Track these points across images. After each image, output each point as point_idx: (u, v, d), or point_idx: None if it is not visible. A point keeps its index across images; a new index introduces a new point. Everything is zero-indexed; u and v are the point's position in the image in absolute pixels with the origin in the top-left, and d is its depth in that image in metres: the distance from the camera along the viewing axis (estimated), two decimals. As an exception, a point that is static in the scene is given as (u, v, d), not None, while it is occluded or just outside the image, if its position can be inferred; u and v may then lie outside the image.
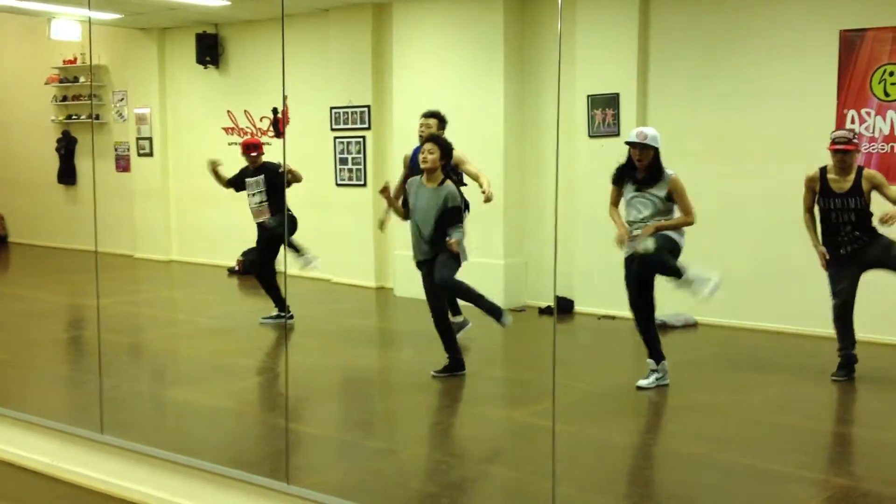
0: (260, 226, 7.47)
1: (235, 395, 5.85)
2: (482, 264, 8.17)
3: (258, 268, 7.57)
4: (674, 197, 5.44)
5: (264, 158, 7.59)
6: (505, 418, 5.29)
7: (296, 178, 7.13)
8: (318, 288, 9.36)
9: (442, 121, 6.70)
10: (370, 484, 4.19)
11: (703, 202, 7.57)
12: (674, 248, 5.44)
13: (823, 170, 5.71)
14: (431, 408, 5.43)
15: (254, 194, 7.44)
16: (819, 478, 4.23)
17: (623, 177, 5.55)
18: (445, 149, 5.75)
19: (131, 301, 8.81)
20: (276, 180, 7.32)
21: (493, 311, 5.91)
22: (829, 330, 6.60)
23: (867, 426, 5.20)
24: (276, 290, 7.48)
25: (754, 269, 7.35)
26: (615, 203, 5.69)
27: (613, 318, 7.68)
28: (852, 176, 5.58)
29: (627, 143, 5.50)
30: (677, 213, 5.50)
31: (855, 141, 5.63)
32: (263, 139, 10.61)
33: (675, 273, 5.40)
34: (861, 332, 5.87)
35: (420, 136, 6.52)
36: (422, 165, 5.75)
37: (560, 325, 7.77)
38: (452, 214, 5.68)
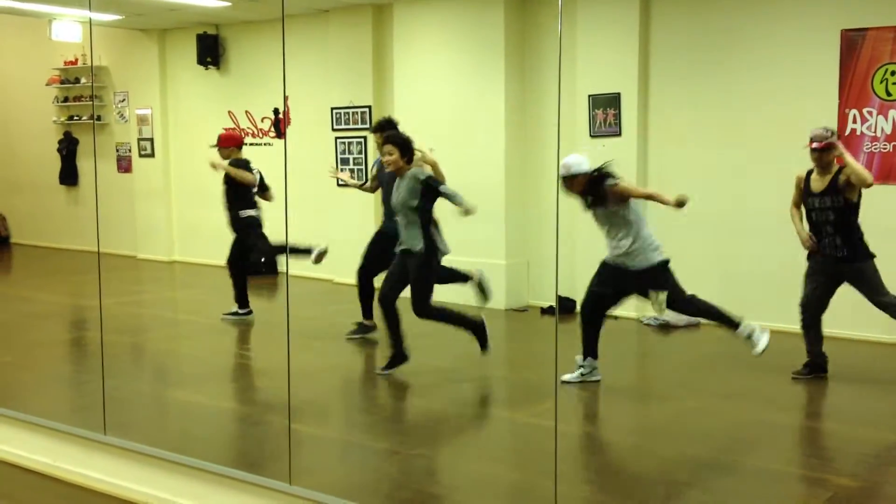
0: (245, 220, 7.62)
1: (237, 396, 5.85)
2: (484, 264, 8.16)
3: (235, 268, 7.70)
4: (622, 199, 5.46)
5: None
6: (507, 419, 5.29)
7: (266, 197, 7.61)
8: (320, 288, 9.36)
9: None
10: (372, 484, 4.20)
11: (704, 201, 7.59)
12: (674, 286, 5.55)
13: (811, 170, 5.73)
14: (434, 408, 5.43)
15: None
16: (821, 477, 4.23)
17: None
18: (404, 145, 5.77)
19: (134, 301, 8.82)
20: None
21: (478, 333, 6.00)
22: (832, 329, 6.60)
23: (869, 426, 5.20)
24: (245, 284, 7.68)
25: (756, 268, 7.35)
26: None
27: (616, 318, 7.67)
28: (830, 175, 5.59)
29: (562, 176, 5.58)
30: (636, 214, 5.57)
31: (832, 139, 5.58)
32: (265, 140, 10.64)
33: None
34: (862, 331, 5.86)
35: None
36: (387, 169, 5.85)
37: (562, 326, 7.76)
38: (428, 185, 5.65)
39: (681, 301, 5.52)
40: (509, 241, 8.46)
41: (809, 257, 5.81)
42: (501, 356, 6.97)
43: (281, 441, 4.56)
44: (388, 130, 6.43)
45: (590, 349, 5.75)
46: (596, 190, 5.48)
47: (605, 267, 5.65)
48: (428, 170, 5.88)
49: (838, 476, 4.27)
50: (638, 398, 5.75)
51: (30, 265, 12.08)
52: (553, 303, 8.20)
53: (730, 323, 5.50)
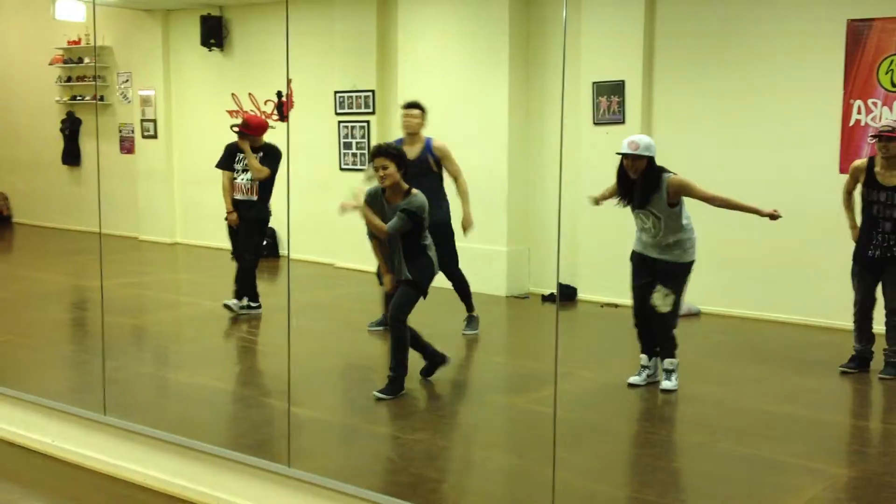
0: (236, 203, 7.15)
1: (238, 378, 5.87)
2: (485, 251, 8.17)
3: (251, 253, 7.27)
4: (680, 197, 5.23)
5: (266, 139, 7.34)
6: (507, 405, 5.30)
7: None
8: (321, 272, 9.36)
9: (423, 110, 6.55)
10: (371, 468, 4.21)
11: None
12: (678, 294, 5.36)
13: (871, 160, 5.54)
14: (433, 393, 5.44)
15: (246, 170, 7.15)
16: (818, 467, 4.24)
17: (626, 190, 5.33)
18: (399, 158, 5.19)
19: (135, 283, 8.83)
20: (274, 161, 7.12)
21: (434, 360, 5.55)
22: (834, 321, 6.61)
23: (865, 416, 5.21)
24: (254, 277, 7.30)
25: (760, 259, 7.34)
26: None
27: (616, 306, 7.67)
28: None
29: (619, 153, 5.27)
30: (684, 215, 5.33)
31: None
32: (268, 122, 10.60)
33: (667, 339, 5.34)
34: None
35: (405, 128, 6.48)
36: (381, 184, 5.21)
37: (563, 313, 7.77)
38: (416, 222, 5.19)
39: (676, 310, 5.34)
40: (511, 228, 8.45)
41: (857, 257, 5.65)
42: (502, 343, 6.98)
43: (280, 424, 4.57)
44: (414, 109, 6.43)
45: (650, 346, 5.48)
46: (653, 184, 5.15)
47: (639, 258, 5.40)
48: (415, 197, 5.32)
49: (835, 465, 4.28)
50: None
51: (31, 245, 12.08)
52: (554, 290, 8.20)
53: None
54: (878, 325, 5.73)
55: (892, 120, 5.48)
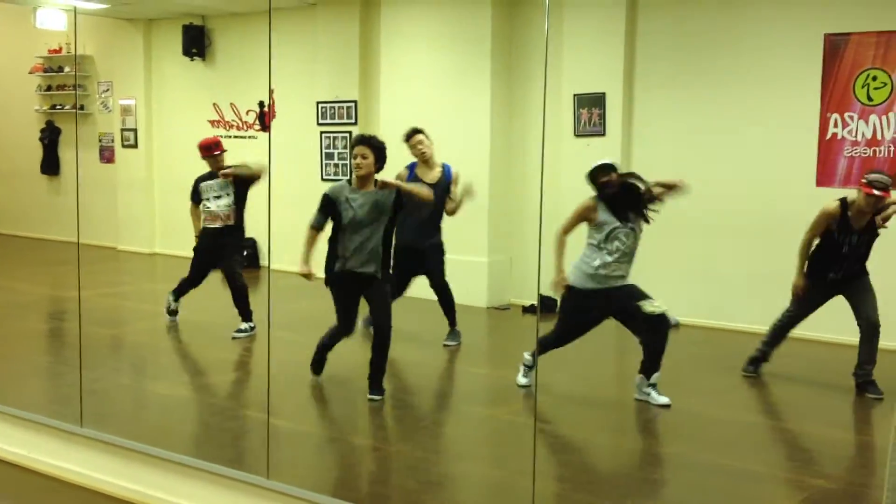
0: (212, 232, 7.06)
1: (216, 390, 5.83)
2: (466, 262, 8.17)
3: (238, 275, 7.07)
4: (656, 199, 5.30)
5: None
6: (487, 416, 5.30)
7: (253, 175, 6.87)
8: (302, 283, 9.30)
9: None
10: (351, 480, 4.19)
11: (686, 203, 7.61)
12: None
13: (844, 205, 5.52)
14: (413, 405, 5.43)
15: (218, 196, 7.06)
16: (796, 478, 4.26)
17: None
18: (380, 152, 5.25)
19: (113, 293, 8.76)
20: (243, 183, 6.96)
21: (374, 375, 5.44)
22: (809, 332, 6.65)
23: (845, 428, 5.24)
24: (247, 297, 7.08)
25: (738, 271, 7.39)
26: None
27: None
28: (870, 215, 5.51)
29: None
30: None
31: (890, 187, 5.47)
32: (249, 133, 10.59)
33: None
34: (849, 336, 5.88)
35: (418, 155, 6.48)
36: (356, 172, 5.22)
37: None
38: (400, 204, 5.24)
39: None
40: (492, 239, 8.47)
41: (813, 276, 5.67)
42: (482, 354, 6.98)
43: (259, 435, 4.55)
44: (420, 134, 6.44)
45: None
46: (638, 202, 5.20)
47: (594, 298, 5.26)
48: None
49: (814, 477, 4.31)
50: (616, 397, 5.78)
51: (9, 255, 11.97)
52: (535, 301, 8.22)
53: None
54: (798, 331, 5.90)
55: (884, 174, 5.51)
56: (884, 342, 6.01)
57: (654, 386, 5.33)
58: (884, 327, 5.62)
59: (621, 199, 5.23)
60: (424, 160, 6.52)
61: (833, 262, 5.58)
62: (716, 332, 7.40)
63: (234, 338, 6.89)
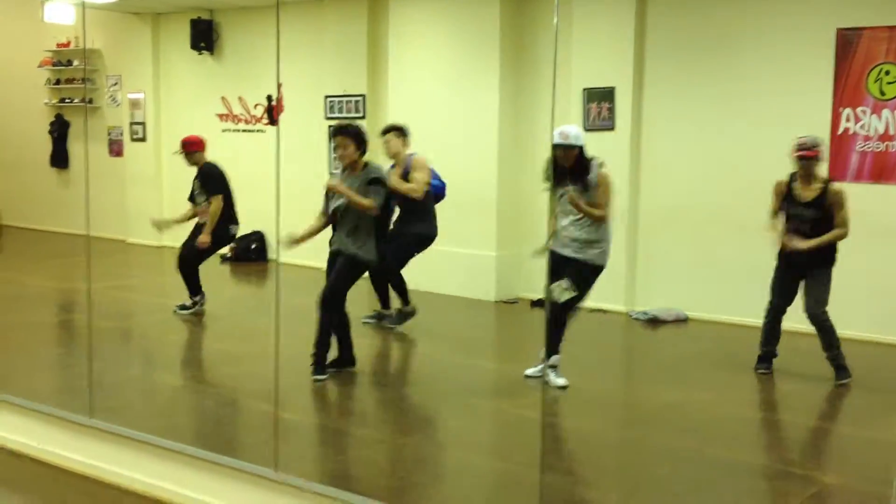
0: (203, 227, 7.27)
1: (224, 382, 5.84)
2: (475, 256, 8.17)
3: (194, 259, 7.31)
4: (597, 193, 5.33)
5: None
6: (494, 409, 5.30)
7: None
8: (308, 276, 9.30)
9: (404, 131, 6.75)
10: (358, 472, 4.19)
11: (696, 197, 7.59)
12: (582, 294, 5.38)
13: (792, 175, 5.69)
14: (420, 398, 5.43)
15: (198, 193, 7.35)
16: (805, 474, 4.25)
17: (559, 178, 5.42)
18: (358, 138, 5.48)
19: (122, 286, 8.79)
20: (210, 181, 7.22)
21: (343, 356, 5.65)
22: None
23: (854, 424, 5.22)
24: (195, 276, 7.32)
25: (746, 265, 7.35)
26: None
27: (605, 311, 7.68)
28: (818, 185, 5.57)
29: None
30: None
31: (818, 147, 5.58)
32: (257, 126, 10.59)
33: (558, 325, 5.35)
34: (859, 331, 5.87)
35: (385, 153, 6.71)
36: (341, 162, 5.56)
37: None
38: (371, 185, 5.44)
39: (570, 309, 5.35)
40: (500, 233, 8.45)
41: (780, 258, 5.76)
42: (490, 347, 6.98)
43: (267, 427, 4.55)
44: (401, 134, 6.65)
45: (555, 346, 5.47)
46: (584, 169, 5.33)
47: (555, 260, 5.39)
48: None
49: (822, 473, 4.29)
50: (624, 391, 5.77)
51: (19, 247, 12.01)
52: (543, 295, 8.19)
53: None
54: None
55: (810, 136, 5.58)
56: (883, 336, 6.00)
57: (553, 368, 5.36)
58: (882, 320, 5.61)
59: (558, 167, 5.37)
60: (392, 157, 6.71)
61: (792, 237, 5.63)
62: (723, 326, 7.37)
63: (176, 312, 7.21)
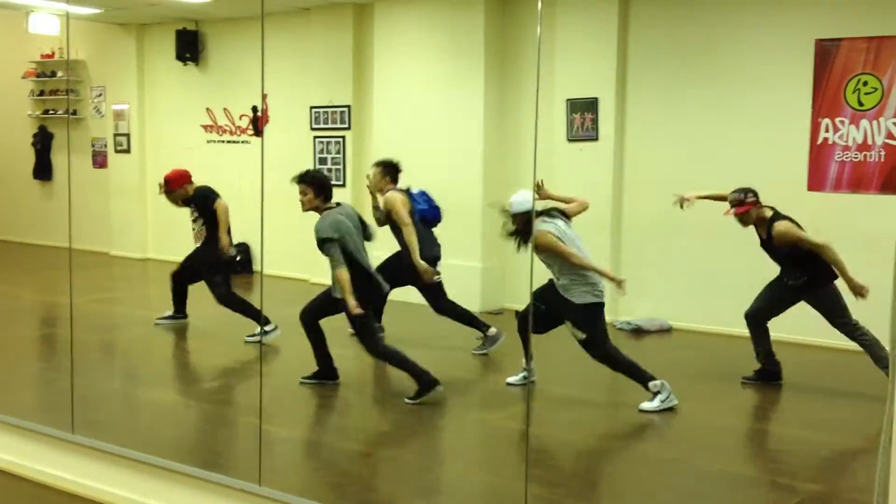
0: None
1: (208, 396, 5.81)
2: (459, 267, 8.17)
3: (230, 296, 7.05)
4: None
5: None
6: (479, 421, 5.30)
7: None
8: (295, 288, 9.31)
9: (389, 167, 6.67)
10: (343, 486, 4.18)
11: (679, 207, 7.62)
12: (595, 332, 5.43)
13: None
14: (405, 411, 5.43)
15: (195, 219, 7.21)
16: (789, 483, 4.27)
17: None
18: (317, 182, 5.53)
19: (106, 299, 8.74)
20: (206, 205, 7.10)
21: (423, 384, 5.45)
22: (801, 336, 6.66)
23: (837, 433, 5.25)
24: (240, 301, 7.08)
25: (729, 275, 7.40)
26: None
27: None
28: (764, 230, 5.71)
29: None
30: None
31: (749, 200, 5.67)
32: (242, 138, 10.58)
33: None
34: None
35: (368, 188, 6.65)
36: (303, 210, 5.63)
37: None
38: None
39: (598, 349, 5.37)
40: (485, 244, 8.47)
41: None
42: (475, 359, 6.97)
43: (251, 442, 4.54)
44: (387, 170, 6.60)
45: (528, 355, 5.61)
46: (526, 234, 5.48)
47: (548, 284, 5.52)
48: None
49: (805, 481, 4.31)
50: (608, 401, 5.78)
51: (1, 260, 11.92)
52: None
53: (642, 379, 5.32)
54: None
55: (738, 192, 5.69)
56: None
57: (657, 394, 5.31)
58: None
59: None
60: (375, 191, 6.64)
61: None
62: (707, 336, 7.40)
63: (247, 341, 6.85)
